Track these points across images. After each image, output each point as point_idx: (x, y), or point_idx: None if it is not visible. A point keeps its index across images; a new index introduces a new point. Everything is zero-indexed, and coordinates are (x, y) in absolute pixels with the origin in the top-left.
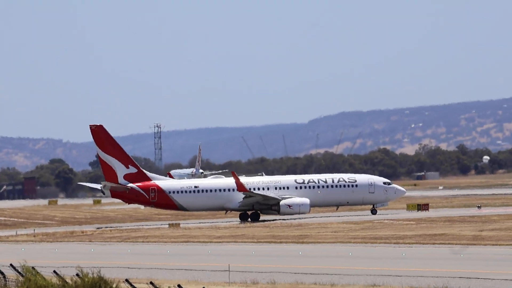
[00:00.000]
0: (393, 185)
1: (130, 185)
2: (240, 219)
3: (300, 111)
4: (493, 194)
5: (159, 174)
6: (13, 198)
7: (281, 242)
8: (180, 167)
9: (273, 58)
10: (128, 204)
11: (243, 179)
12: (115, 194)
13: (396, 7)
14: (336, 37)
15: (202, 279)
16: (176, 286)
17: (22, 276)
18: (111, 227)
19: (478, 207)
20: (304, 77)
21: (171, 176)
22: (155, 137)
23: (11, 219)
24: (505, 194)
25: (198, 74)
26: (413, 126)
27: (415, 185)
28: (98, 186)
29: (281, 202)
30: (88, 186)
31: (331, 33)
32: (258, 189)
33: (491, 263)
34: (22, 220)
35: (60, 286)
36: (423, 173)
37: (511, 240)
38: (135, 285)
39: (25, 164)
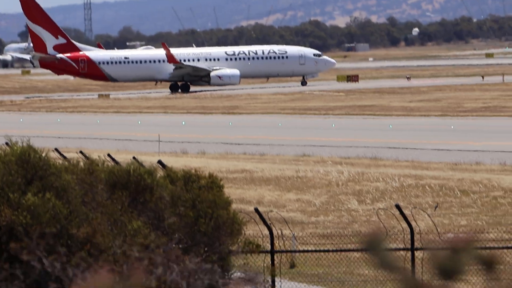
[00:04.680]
0: (324, 56)
1: (60, 55)
2: (170, 90)
3: None
4: (422, 65)
5: (90, 45)
6: None
7: (211, 113)
8: (110, 38)
9: None
10: (58, 74)
11: (174, 51)
12: (44, 64)
13: None
14: None
15: (132, 149)
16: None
17: None
18: (40, 97)
19: (407, 78)
20: None
21: (101, 47)
22: (85, 9)
23: None
24: (434, 65)
25: None
26: None
27: (345, 56)
28: (27, 57)
29: (212, 73)
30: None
31: None
32: (189, 60)
33: (419, 134)
34: None
35: None
36: (353, 44)
37: (439, 111)
38: (64, 154)
39: None
